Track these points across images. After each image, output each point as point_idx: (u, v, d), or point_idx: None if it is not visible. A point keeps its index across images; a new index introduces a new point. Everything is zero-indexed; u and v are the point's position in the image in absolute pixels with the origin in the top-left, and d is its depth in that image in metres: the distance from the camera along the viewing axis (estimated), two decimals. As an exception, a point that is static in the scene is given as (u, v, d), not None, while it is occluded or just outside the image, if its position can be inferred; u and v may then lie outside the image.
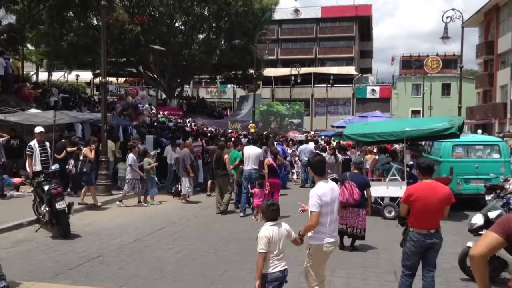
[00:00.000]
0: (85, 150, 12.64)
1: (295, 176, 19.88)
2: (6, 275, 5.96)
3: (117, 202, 12.93)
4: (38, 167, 11.38)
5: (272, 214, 4.72)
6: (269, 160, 11.52)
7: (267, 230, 4.63)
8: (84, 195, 12.24)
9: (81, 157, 12.63)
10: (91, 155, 12.53)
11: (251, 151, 11.92)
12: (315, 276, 5.13)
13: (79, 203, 11.85)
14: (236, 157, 12.66)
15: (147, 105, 26.43)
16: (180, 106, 37.07)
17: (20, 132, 15.77)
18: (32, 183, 9.93)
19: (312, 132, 35.74)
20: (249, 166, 11.82)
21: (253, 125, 29.97)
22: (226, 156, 12.26)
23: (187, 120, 31.67)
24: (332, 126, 33.10)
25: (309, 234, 5.08)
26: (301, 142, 20.27)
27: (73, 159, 13.19)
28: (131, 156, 12.86)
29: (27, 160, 10.87)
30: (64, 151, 13.62)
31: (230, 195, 12.30)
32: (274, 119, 39.60)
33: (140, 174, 12.85)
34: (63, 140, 14.21)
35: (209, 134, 22.21)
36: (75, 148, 13.51)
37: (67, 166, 13.04)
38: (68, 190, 13.26)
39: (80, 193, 12.51)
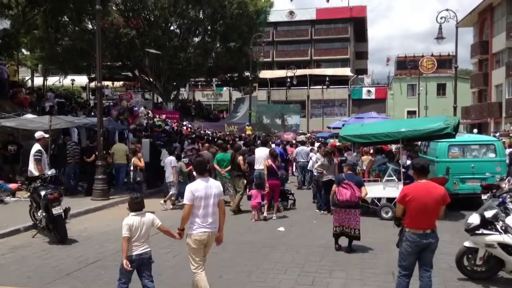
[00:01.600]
0: (134, 160, 13.20)
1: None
2: (3, 281, 5.94)
3: (161, 201, 13.18)
4: (47, 171, 11.33)
5: (135, 206, 5.53)
6: (268, 161, 11.73)
7: (129, 219, 5.43)
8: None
9: (132, 167, 13.33)
10: (141, 163, 13.18)
11: (262, 153, 12.51)
12: (193, 261, 5.74)
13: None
14: (225, 159, 12.87)
15: (142, 108, 26.42)
16: (176, 109, 37.08)
17: (16, 137, 15.74)
18: (29, 189, 9.90)
19: (308, 134, 35.78)
20: (261, 166, 12.32)
21: (250, 127, 29.97)
22: (240, 157, 12.74)
23: (184, 123, 31.67)
24: (328, 128, 33.17)
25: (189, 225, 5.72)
26: (303, 144, 20.19)
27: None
28: (172, 159, 13.24)
29: (36, 165, 10.84)
30: (94, 155, 14.35)
31: (242, 195, 12.78)
32: (266, 116, 39.34)
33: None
34: (92, 144, 15.22)
35: (205, 137, 22.21)
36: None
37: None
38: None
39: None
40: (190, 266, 5.80)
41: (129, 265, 5.35)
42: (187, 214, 5.64)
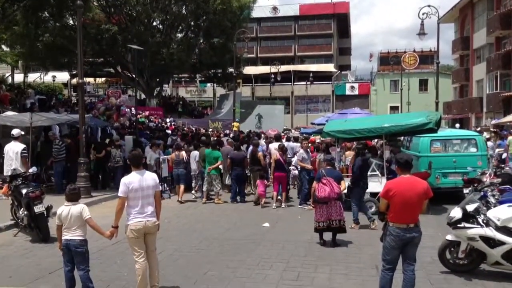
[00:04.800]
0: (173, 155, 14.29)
1: None
2: (-15, 281, 5.86)
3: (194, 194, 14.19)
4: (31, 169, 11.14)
5: (70, 196, 5.91)
6: (277, 155, 12.84)
7: (60, 208, 5.87)
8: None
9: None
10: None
11: (273, 148, 13.77)
12: (133, 250, 5.99)
13: (178, 201, 13.57)
14: (217, 157, 13.11)
15: (128, 110, 26.25)
16: (160, 106, 36.80)
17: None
18: (10, 187, 9.75)
19: (293, 131, 35.76)
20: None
21: (237, 123, 29.84)
22: (260, 153, 13.86)
23: (168, 120, 31.46)
24: (312, 123, 33.25)
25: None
26: (296, 140, 20.13)
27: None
28: (197, 153, 14.13)
29: (24, 163, 10.67)
30: (104, 151, 15.06)
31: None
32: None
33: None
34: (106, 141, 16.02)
35: (190, 134, 22.08)
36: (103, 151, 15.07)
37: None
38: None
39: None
40: (134, 256, 6.02)
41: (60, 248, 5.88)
42: (121, 207, 5.93)
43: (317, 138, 19.69)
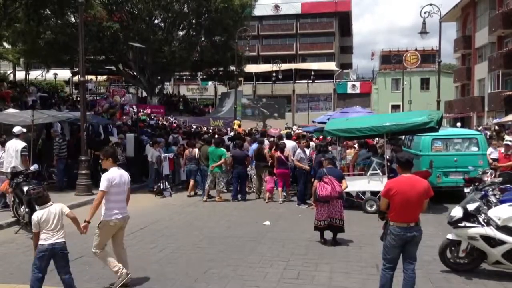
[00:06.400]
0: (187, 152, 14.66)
1: None
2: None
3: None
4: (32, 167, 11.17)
5: (40, 200, 5.75)
6: (278, 153, 13.16)
7: (37, 213, 5.62)
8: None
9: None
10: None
11: (289, 145, 13.77)
12: (100, 243, 6.16)
13: (187, 196, 14.11)
14: (221, 154, 13.15)
15: (131, 109, 26.24)
16: (161, 104, 36.79)
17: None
18: (11, 184, 9.77)
19: (295, 128, 35.74)
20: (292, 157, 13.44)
21: (238, 122, 29.84)
22: (266, 150, 14.06)
23: (170, 118, 31.44)
24: (313, 122, 33.22)
25: (102, 211, 6.12)
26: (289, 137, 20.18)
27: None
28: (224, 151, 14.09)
29: (23, 161, 10.69)
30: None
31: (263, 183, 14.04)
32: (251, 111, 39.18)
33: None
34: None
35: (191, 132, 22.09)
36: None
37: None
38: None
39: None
40: (94, 247, 6.24)
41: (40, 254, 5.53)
42: (100, 201, 6.06)
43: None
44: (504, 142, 12.92)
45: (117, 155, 6.46)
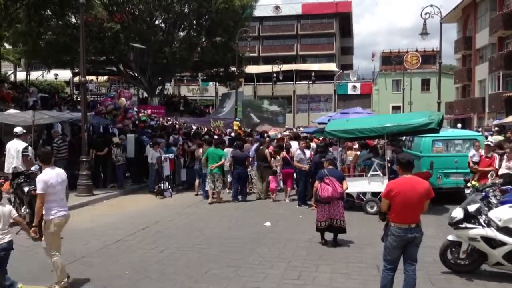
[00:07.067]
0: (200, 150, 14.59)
1: None
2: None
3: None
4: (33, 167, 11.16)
5: None
6: (283, 153, 13.64)
7: None
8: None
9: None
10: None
11: (294, 146, 14.28)
12: (53, 245, 6.24)
13: (195, 195, 14.40)
14: (221, 155, 13.38)
15: (134, 113, 26.24)
16: (162, 105, 36.81)
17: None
18: (12, 185, 9.76)
19: (294, 129, 35.76)
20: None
21: (238, 122, 29.85)
22: (266, 151, 14.23)
23: (171, 119, 31.47)
24: (314, 123, 33.24)
25: (44, 212, 6.15)
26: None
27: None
28: (230, 150, 14.46)
29: (24, 162, 10.69)
30: (106, 148, 15.10)
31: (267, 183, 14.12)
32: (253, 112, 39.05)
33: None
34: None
35: (192, 133, 22.10)
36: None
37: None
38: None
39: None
40: (50, 251, 6.27)
41: None
42: (42, 204, 6.09)
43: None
44: (485, 143, 12.04)
45: (49, 156, 6.48)
